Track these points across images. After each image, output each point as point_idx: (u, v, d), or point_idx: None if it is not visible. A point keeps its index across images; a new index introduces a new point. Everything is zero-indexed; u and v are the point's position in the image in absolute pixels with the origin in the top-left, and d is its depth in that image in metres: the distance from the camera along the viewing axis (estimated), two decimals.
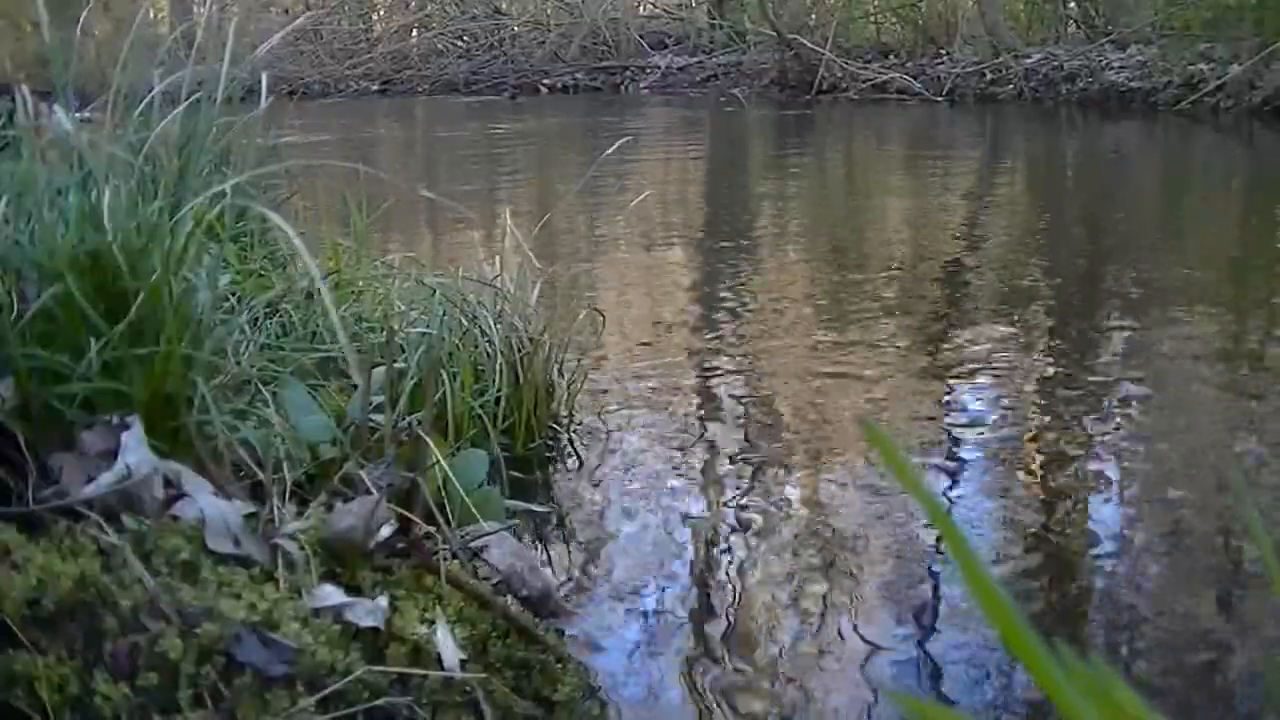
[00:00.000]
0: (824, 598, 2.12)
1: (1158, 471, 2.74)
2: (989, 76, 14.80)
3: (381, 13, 24.05)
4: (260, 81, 2.14)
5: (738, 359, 3.71)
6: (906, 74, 15.48)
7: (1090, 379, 3.42)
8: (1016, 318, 4.16)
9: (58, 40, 1.82)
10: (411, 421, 1.98)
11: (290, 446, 1.88)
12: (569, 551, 2.34)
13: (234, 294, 2.48)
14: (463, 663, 1.58)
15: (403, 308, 2.89)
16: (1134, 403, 3.21)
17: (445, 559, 1.73)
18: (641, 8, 22.45)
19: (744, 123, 14.18)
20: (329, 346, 2.58)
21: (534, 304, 2.98)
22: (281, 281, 2.85)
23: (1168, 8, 13.80)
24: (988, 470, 2.74)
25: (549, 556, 2.29)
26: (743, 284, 4.90)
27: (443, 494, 1.90)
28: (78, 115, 1.83)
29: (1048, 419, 3.08)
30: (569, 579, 2.20)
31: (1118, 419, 3.06)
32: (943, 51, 16.17)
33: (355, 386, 2.09)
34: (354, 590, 1.59)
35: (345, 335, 1.72)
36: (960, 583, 2.12)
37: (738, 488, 2.63)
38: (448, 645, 1.58)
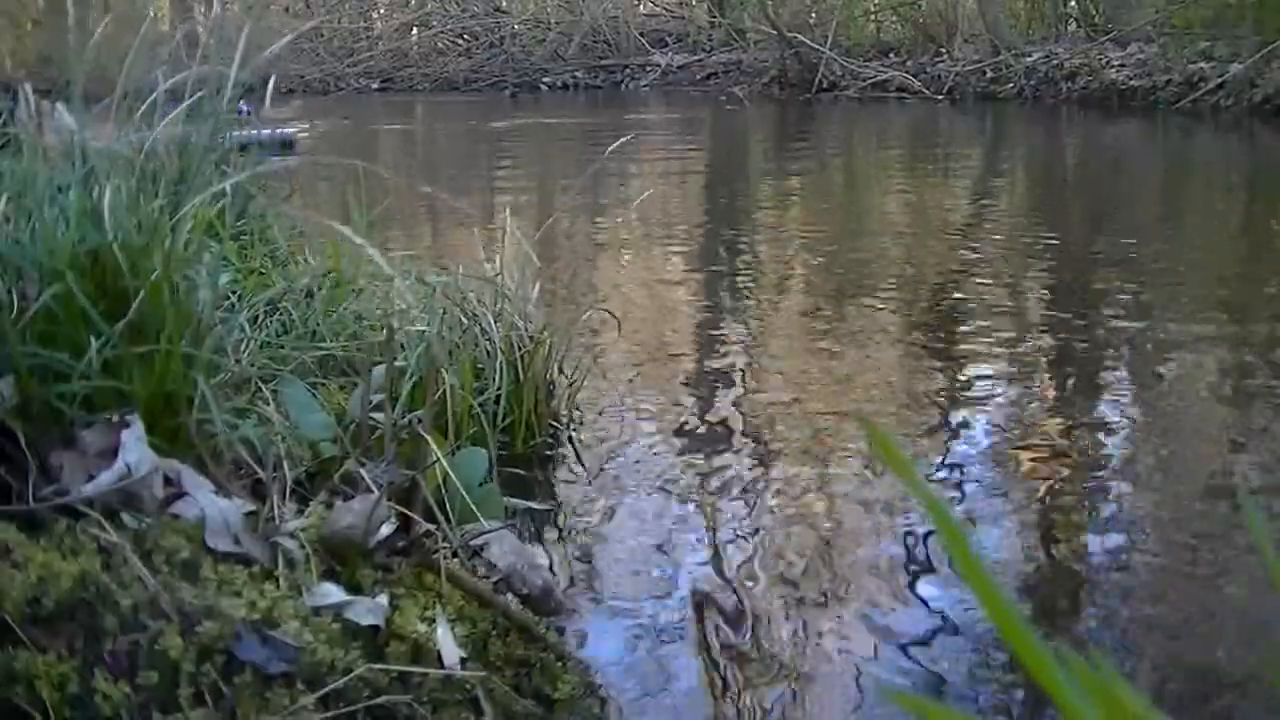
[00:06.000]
0: (825, 595, 2.12)
1: (1158, 469, 2.74)
2: (989, 75, 14.81)
3: (382, 11, 24.05)
4: (259, 80, 2.14)
5: (739, 356, 3.70)
6: (907, 72, 15.50)
7: (1090, 373, 3.43)
8: (1018, 316, 4.16)
9: (64, 39, 1.82)
10: (412, 420, 1.98)
11: (290, 445, 1.88)
12: (569, 549, 2.34)
13: (234, 292, 2.48)
14: (463, 661, 1.58)
15: (403, 306, 2.89)
16: (1135, 397, 3.21)
17: (445, 557, 1.73)
18: (642, 6, 22.45)
19: (744, 121, 14.18)
20: (329, 344, 2.59)
21: (534, 302, 2.98)
22: (282, 280, 2.85)
23: (1168, 6, 13.80)
24: (988, 468, 2.74)
25: (549, 554, 2.29)
26: (744, 282, 4.90)
27: (443, 492, 1.90)
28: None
29: (1048, 415, 3.08)
30: (569, 577, 2.20)
31: (1118, 415, 3.06)
32: (943, 50, 16.18)
33: (355, 385, 2.09)
34: (354, 588, 1.59)
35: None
36: (961, 580, 2.12)
37: (739, 484, 2.63)
38: (448, 643, 1.58)
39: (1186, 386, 3.36)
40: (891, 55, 16.87)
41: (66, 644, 1.31)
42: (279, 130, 9.90)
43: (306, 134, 10.76)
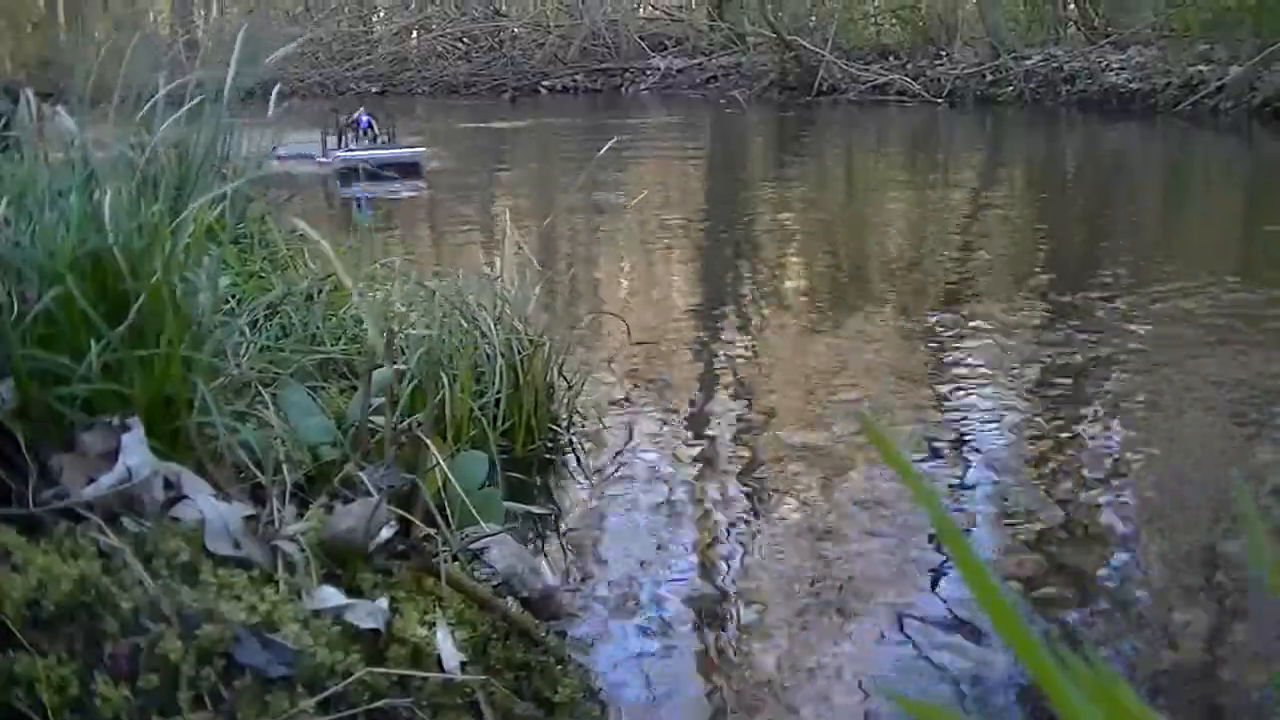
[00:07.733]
0: (824, 597, 2.11)
1: (1154, 465, 2.74)
2: (989, 78, 14.82)
3: (381, 14, 24.07)
4: (259, 83, 2.14)
5: (738, 358, 3.70)
6: (906, 75, 15.50)
7: (1088, 372, 3.42)
8: (1018, 318, 4.16)
9: (65, 42, 1.82)
10: (411, 423, 1.98)
11: (290, 448, 1.88)
12: (569, 553, 2.34)
13: (234, 296, 2.48)
14: (463, 664, 1.58)
15: (403, 309, 2.89)
16: (1132, 396, 3.21)
17: (445, 561, 1.73)
18: (641, 9, 22.46)
19: (744, 124, 14.18)
20: (329, 348, 2.58)
21: (534, 306, 2.98)
22: (281, 284, 2.85)
23: (1167, 9, 13.81)
24: (988, 465, 2.74)
25: (549, 558, 2.29)
26: (742, 285, 4.90)
27: (443, 496, 1.90)
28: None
29: (1047, 413, 3.08)
30: (569, 580, 2.20)
31: (1115, 415, 3.06)
32: (942, 53, 16.19)
33: (355, 388, 2.09)
34: (354, 592, 1.59)
35: None
36: (961, 581, 2.12)
37: (738, 487, 2.63)
38: (448, 647, 1.58)
39: (1186, 386, 3.35)
40: (891, 58, 16.86)
41: (66, 647, 1.31)
42: (403, 150, 8.39)
43: (436, 156, 9.36)
